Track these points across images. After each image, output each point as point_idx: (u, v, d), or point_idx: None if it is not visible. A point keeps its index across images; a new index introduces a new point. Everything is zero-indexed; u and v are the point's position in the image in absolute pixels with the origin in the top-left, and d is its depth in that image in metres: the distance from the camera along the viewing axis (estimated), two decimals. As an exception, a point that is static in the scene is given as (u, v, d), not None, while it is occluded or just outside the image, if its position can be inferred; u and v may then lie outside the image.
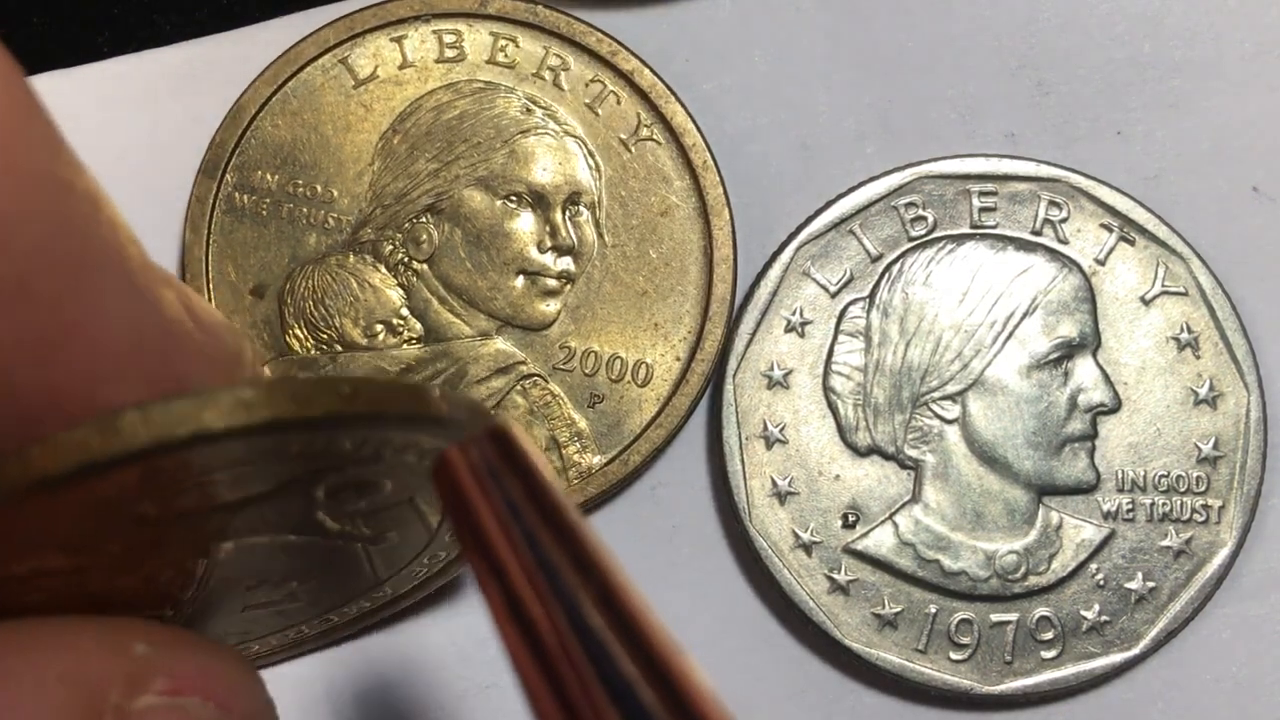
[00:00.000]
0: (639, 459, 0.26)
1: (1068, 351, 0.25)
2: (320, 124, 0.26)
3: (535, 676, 0.15)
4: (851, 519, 0.25)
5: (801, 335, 0.26)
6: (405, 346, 0.27)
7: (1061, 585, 0.25)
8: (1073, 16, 0.27)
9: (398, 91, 0.25)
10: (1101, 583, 0.25)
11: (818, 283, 0.26)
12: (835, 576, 0.25)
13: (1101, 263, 0.26)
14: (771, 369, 0.26)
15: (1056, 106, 0.27)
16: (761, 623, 0.26)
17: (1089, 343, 0.25)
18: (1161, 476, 0.25)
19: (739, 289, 0.26)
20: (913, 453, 0.25)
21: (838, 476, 0.25)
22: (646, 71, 0.25)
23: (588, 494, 0.26)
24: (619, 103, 0.25)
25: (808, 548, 0.25)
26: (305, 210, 0.26)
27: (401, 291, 0.26)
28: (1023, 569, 0.25)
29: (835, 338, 0.26)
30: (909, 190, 0.26)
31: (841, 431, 0.26)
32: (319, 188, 0.26)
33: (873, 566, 0.25)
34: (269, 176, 0.26)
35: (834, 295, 0.26)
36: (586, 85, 0.25)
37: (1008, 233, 0.26)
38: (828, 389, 0.26)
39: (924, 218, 0.26)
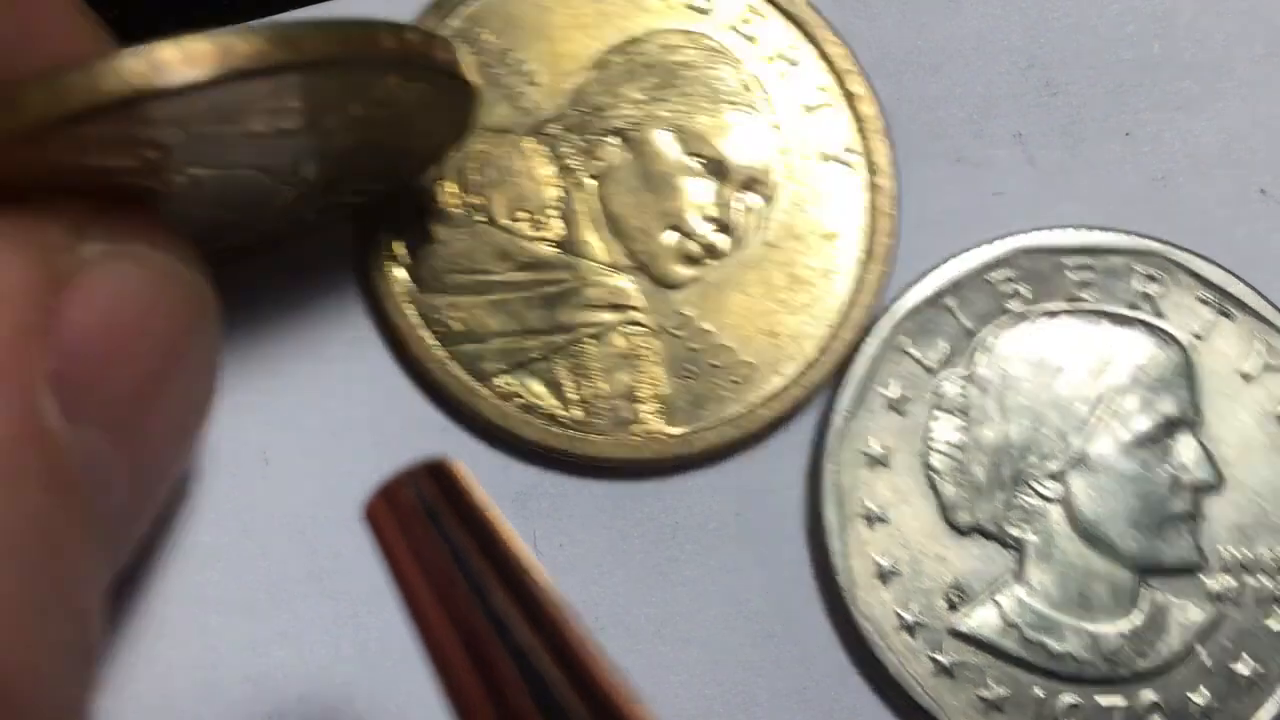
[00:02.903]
0: (705, 444, 0.25)
1: (1168, 428, 0.25)
2: (556, 12, 0.26)
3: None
4: (955, 599, 0.24)
5: (900, 413, 0.26)
6: (540, 244, 0.25)
7: (1168, 668, 0.24)
8: (1082, 17, 0.27)
9: (638, 15, 0.26)
10: (1209, 666, 0.24)
11: (914, 359, 0.26)
12: (939, 658, 0.24)
13: (1200, 337, 0.26)
14: (871, 447, 0.25)
15: (1065, 107, 0.27)
16: (863, 698, 0.25)
17: (1190, 419, 0.25)
18: (1268, 557, 0.25)
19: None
20: (1015, 532, 0.25)
21: (940, 556, 0.25)
22: (869, 99, 0.26)
23: (641, 455, 0.25)
24: (835, 116, 0.26)
25: (911, 629, 0.24)
26: (509, 81, 0.26)
27: (560, 193, 0.26)
28: (1129, 652, 0.24)
29: (934, 415, 0.26)
30: (1004, 264, 0.26)
31: (943, 510, 0.25)
32: (528, 68, 0.26)
33: (977, 648, 0.24)
34: (491, 38, 0.26)
35: (931, 371, 0.26)
36: (810, 89, 0.26)
37: (1105, 307, 0.26)
38: (928, 467, 0.25)
39: (1019, 292, 0.26)
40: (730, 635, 0.25)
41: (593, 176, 0.26)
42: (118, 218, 0.18)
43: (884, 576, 0.24)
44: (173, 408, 0.19)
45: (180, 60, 0.16)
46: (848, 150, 0.26)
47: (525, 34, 0.26)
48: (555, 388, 0.25)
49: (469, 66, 0.21)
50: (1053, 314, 0.26)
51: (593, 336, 0.25)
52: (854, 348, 0.26)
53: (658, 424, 0.25)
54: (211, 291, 0.20)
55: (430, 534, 0.15)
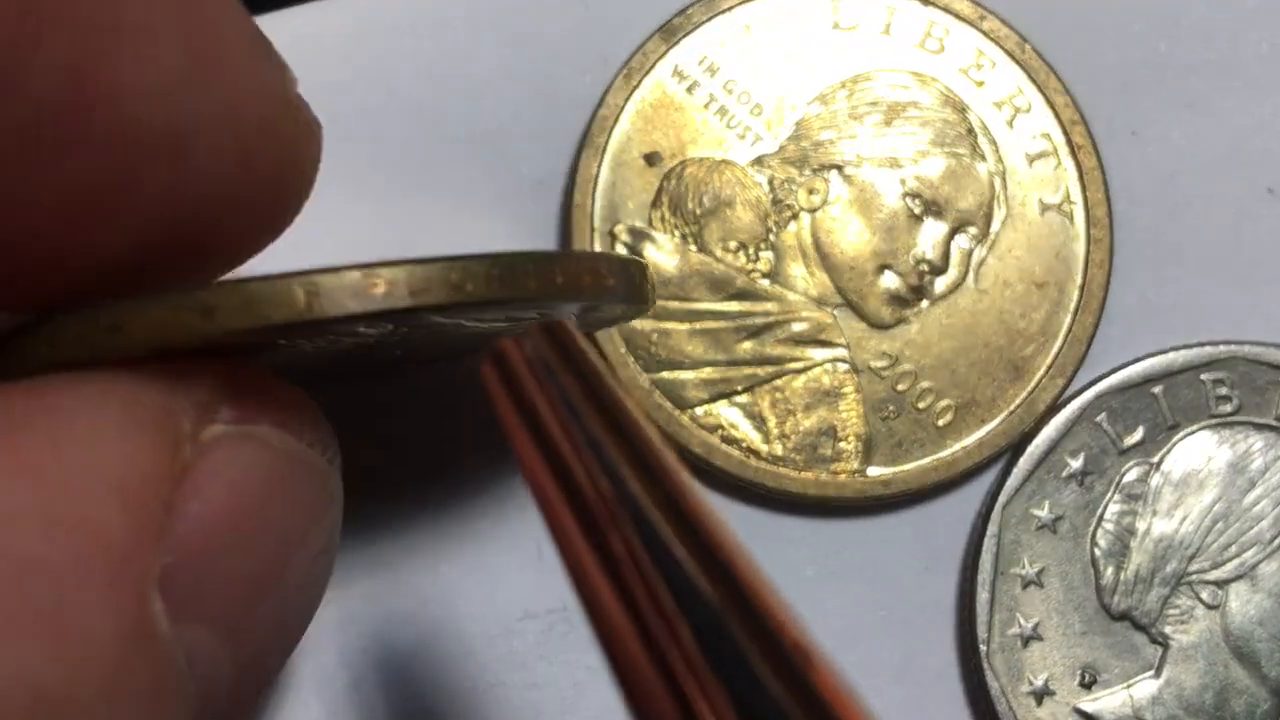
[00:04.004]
0: (902, 487, 0.25)
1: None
2: (785, 45, 0.26)
3: (601, 590, 0.14)
4: (1088, 679, 0.25)
5: (1080, 484, 0.25)
6: (750, 275, 0.25)
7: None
8: (1088, 15, 0.27)
9: (866, 53, 0.26)
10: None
11: (1109, 436, 0.26)
12: (1061, 732, 0.24)
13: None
14: (1043, 511, 0.25)
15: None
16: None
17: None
18: None
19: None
20: (1165, 628, 0.25)
21: (1085, 633, 0.25)
22: (1091, 150, 0.26)
23: (840, 494, 0.25)
24: (1056, 167, 0.26)
25: (1039, 696, 0.24)
26: (730, 110, 0.26)
27: (773, 225, 0.25)
28: (1252, 770, 0.24)
29: (1112, 495, 0.25)
30: (1220, 366, 0.26)
31: (1099, 590, 0.25)
32: (751, 98, 0.26)
33: (1099, 731, 0.24)
34: (716, 65, 0.26)
35: (1121, 453, 0.26)
36: (1034, 137, 0.26)
37: (1314, 436, 0.26)
38: (1094, 545, 0.25)
39: (1229, 398, 0.26)
40: (860, 671, 0.25)
41: (808, 210, 0.25)
42: (250, 396, 0.17)
43: (1025, 639, 0.25)
44: (285, 601, 0.18)
45: (347, 291, 0.15)
46: (1067, 200, 0.26)
47: (750, 63, 0.26)
48: (757, 421, 0.25)
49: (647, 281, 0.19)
50: (1258, 428, 0.26)
51: (797, 372, 0.25)
52: (1054, 406, 0.25)
53: (857, 463, 0.25)
54: (337, 477, 0.18)
55: (543, 389, 0.15)
